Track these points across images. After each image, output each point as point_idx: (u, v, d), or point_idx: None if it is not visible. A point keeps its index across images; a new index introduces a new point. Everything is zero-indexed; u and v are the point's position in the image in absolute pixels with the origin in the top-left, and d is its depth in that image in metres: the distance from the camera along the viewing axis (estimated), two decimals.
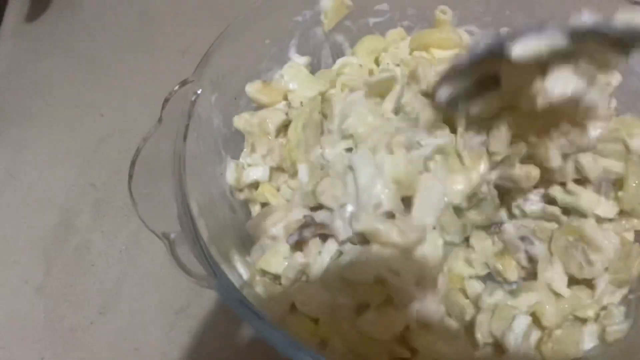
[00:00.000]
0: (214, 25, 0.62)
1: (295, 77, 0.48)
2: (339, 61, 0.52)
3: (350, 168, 0.40)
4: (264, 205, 0.45)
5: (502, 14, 0.49)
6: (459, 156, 0.40)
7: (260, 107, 0.47)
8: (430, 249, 0.38)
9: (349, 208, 0.39)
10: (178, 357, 0.46)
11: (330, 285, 0.39)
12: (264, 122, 0.45)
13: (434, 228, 0.39)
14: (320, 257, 0.39)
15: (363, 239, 0.39)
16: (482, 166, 0.40)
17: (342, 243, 0.40)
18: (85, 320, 0.48)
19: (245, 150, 0.46)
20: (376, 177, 0.39)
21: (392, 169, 0.39)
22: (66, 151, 0.58)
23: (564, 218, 0.42)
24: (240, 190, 0.45)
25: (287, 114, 0.46)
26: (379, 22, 0.51)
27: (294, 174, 0.44)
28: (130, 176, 0.37)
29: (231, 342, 0.46)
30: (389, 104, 0.42)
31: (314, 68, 0.51)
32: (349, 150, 0.43)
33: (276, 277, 0.40)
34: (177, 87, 0.41)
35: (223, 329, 0.47)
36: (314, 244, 0.40)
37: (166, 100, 0.40)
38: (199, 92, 0.41)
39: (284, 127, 0.46)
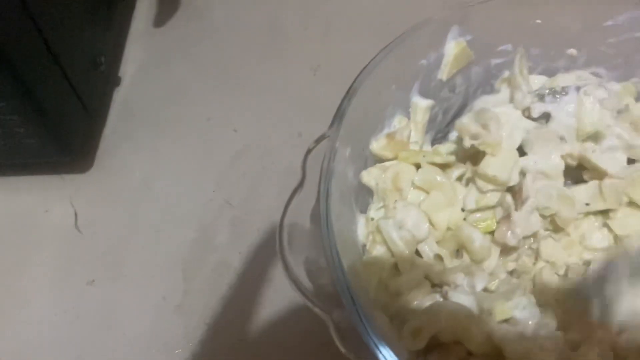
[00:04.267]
0: (345, 41, 0.63)
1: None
2: None
3: None
4: None
5: (634, 57, 0.47)
6: None
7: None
8: None
9: None
10: None
11: None
12: (397, 177, 0.42)
13: None
14: None
15: None
16: None
17: None
18: (225, 345, 0.46)
19: (374, 204, 0.43)
20: None
21: None
22: (201, 164, 0.57)
23: None
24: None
25: None
26: (500, 63, 0.49)
27: None
28: (281, 241, 0.34)
29: None
30: None
31: None
32: None
33: None
34: (314, 144, 0.38)
35: None
36: None
37: (306, 156, 0.38)
38: (337, 146, 0.38)
39: None
